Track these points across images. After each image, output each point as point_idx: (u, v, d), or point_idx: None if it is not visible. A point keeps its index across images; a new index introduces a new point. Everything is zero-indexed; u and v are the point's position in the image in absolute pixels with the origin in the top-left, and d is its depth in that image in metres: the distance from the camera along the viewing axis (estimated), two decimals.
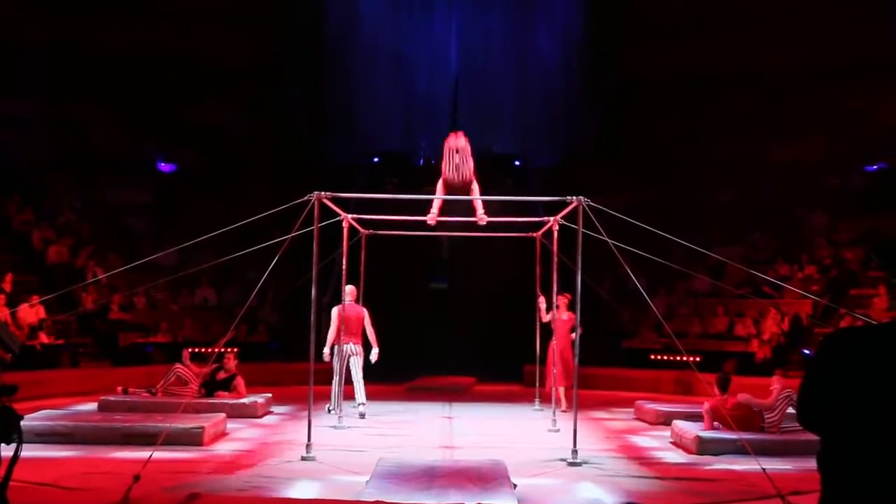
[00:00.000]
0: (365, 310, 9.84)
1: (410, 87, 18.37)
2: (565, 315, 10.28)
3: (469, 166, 8.25)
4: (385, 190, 14.82)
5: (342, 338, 9.46)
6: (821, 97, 16.74)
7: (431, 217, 8.46)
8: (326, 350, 9.42)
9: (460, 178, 8.29)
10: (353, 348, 9.58)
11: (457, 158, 8.29)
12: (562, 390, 10.03)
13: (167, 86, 17.47)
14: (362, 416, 9.49)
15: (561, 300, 10.17)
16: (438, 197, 8.39)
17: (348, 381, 9.56)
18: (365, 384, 9.70)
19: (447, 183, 8.39)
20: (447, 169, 8.31)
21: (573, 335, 9.72)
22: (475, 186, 8.37)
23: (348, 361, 9.56)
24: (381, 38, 19.25)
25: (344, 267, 9.65)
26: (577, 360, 8.06)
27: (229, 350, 10.57)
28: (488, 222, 8.55)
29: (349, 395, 9.67)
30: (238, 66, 17.97)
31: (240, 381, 10.12)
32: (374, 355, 9.67)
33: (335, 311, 9.57)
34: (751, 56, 17.35)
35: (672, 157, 17.71)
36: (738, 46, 17.39)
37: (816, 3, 16.61)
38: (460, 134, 8.41)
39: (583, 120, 18.73)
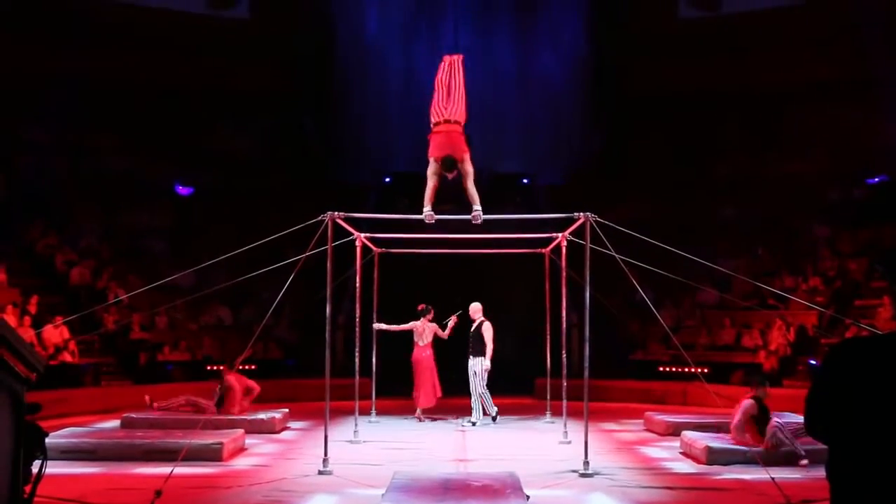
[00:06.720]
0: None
1: (419, 108, 18.58)
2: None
3: (461, 92, 7.56)
4: (397, 210, 15.00)
5: None
6: (821, 112, 16.81)
7: (428, 214, 7.55)
8: None
9: (451, 105, 7.52)
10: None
11: (449, 69, 7.64)
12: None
13: (184, 113, 17.68)
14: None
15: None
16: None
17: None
18: (380, 399, 10.30)
19: (435, 134, 7.55)
20: (438, 98, 7.61)
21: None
22: (468, 168, 7.49)
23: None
24: (390, 62, 19.46)
25: (358, 285, 9.87)
26: None
27: (221, 366, 10.48)
28: (493, 240, 8.44)
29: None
30: (252, 92, 18.17)
31: (231, 395, 9.71)
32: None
33: None
34: (752, 73, 17.47)
35: (676, 173, 17.81)
36: (738, 64, 17.53)
37: (815, 23, 16.78)
38: (460, 56, 7.95)
39: (588, 138, 18.87)
